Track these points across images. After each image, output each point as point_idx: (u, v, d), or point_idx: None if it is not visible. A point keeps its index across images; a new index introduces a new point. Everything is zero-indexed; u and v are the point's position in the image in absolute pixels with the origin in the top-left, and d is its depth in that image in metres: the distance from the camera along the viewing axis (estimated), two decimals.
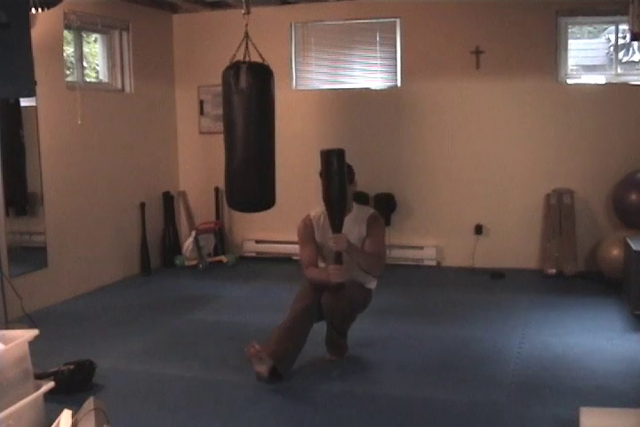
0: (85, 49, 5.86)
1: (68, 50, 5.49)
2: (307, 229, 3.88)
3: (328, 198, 3.63)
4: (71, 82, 5.38)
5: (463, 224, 6.11)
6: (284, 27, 6.34)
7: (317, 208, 3.92)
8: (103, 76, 5.98)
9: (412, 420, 3.11)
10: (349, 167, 3.73)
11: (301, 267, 3.90)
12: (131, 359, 3.93)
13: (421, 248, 6.18)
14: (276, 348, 3.53)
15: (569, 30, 5.87)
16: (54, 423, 2.71)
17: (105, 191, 5.70)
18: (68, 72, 5.44)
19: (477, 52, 5.91)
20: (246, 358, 3.55)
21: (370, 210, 3.93)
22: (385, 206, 6.08)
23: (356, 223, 3.79)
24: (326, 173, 3.61)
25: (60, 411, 2.76)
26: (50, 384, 2.97)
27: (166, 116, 6.61)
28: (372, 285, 3.93)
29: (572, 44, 5.91)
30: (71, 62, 5.53)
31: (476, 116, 6.02)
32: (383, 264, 3.84)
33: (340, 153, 3.62)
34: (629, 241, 4.82)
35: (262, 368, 3.50)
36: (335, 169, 3.59)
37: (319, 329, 3.76)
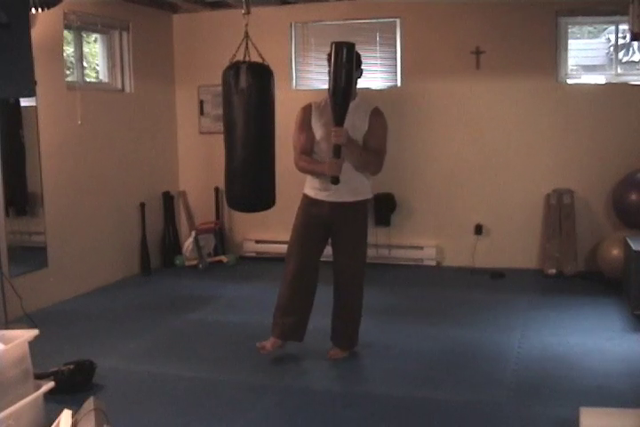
0: (85, 49, 5.86)
1: (68, 50, 5.48)
2: (305, 117, 3.81)
3: (334, 90, 3.56)
4: (71, 82, 5.38)
5: (463, 224, 6.11)
6: (284, 27, 6.34)
7: (320, 98, 3.86)
8: (103, 76, 5.98)
9: (411, 420, 3.11)
10: (357, 55, 3.67)
11: (295, 154, 3.83)
12: (131, 359, 3.93)
13: (421, 248, 6.18)
14: (283, 326, 3.72)
15: (569, 30, 5.87)
16: (54, 423, 2.71)
17: (105, 191, 5.69)
18: (68, 72, 5.44)
19: (477, 52, 5.90)
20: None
21: (373, 104, 3.83)
22: (385, 206, 6.08)
23: (357, 113, 3.69)
24: (335, 65, 3.54)
25: (60, 411, 2.76)
26: (50, 384, 2.97)
27: (166, 116, 6.60)
28: (368, 193, 3.85)
29: (572, 44, 5.91)
30: (71, 62, 5.53)
31: (476, 116, 6.02)
32: (381, 162, 3.76)
33: (351, 46, 3.58)
34: (629, 241, 4.82)
35: (279, 349, 3.72)
36: (344, 61, 3.52)
37: (319, 329, 3.76)
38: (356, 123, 3.68)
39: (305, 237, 3.78)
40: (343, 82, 3.53)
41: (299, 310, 3.78)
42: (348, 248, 3.78)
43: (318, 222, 3.78)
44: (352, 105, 3.62)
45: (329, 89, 3.59)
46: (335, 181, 3.58)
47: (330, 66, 3.58)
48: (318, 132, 3.75)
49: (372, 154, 3.70)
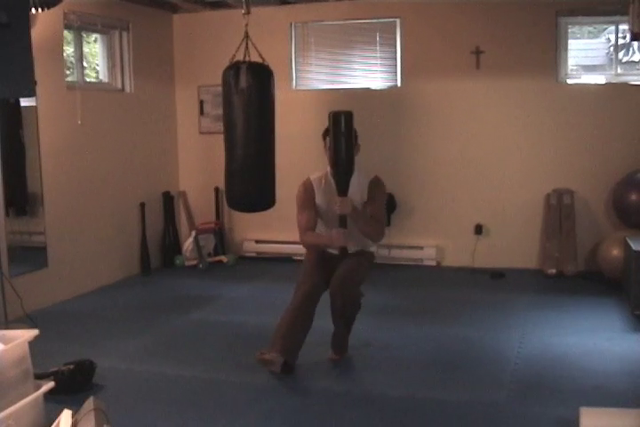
0: (85, 49, 5.86)
1: (68, 50, 5.49)
2: (307, 194, 3.83)
3: (335, 160, 3.60)
4: (71, 82, 5.38)
5: (463, 224, 6.11)
6: (283, 27, 6.34)
7: (317, 172, 3.91)
8: (103, 76, 5.98)
9: (411, 420, 3.11)
10: (354, 131, 3.70)
11: (299, 232, 3.85)
12: (131, 359, 3.93)
13: (421, 248, 6.18)
14: (285, 342, 3.55)
15: (569, 30, 5.87)
16: (54, 423, 2.71)
17: (105, 191, 5.70)
18: (68, 72, 5.44)
19: (477, 52, 5.90)
20: (257, 362, 3.60)
21: (371, 174, 3.87)
22: (385, 206, 6.07)
23: (357, 187, 3.75)
24: (334, 135, 3.57)
25: (60, 411, 2.76)
26: (50, 384, 2.97)
27: (166, 116, 6.60)
28: (373, 248, 3.94)
29: (572, 44, 5.91)
30: (71, 62, 5.54)
31: (476, 116, 6.02)
32: (383, 229, 3.83)
33: (348, 115, 3.61)
34: (629, 241, 4.82)
35: (274, 367, 3.53)
36: (343, 130, 3.56)
37: (319, 329, 3.76)
38: (357, 196, 3.73)
39: (315, 267, 3.77)
40: (344, 151, 3.58)
41: (300, 332, 3.65)
42: (349, 262, 3.74)
43: (328, 260, 3.79)
44: (351, 182, 3.67)
45: (330, 161, 3.66)
46: (344, 251, 3.63)
47: (328, 140, 3.66)
48: (323, 207, 3.81)
49: (374, 222, 3.74)
